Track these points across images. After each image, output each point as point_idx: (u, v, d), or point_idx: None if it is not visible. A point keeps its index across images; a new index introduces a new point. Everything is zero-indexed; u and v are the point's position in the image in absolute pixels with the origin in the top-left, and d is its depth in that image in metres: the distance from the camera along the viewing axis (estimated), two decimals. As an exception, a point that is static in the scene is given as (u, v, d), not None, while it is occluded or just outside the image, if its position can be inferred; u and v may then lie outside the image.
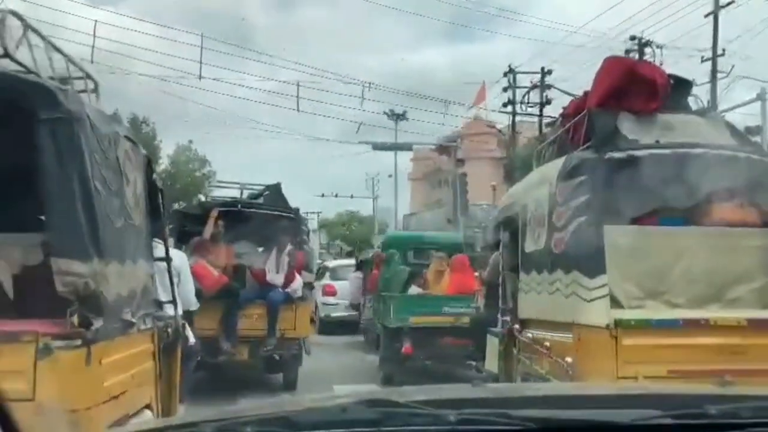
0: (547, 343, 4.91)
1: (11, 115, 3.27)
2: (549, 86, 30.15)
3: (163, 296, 4.91)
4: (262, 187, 10.39)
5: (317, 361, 10.78)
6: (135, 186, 4.10)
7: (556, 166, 5.13)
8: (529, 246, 5.41)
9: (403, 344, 9.58)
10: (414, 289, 10.41)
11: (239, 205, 9.58)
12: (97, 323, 3.24)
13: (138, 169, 4.23)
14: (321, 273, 20.20)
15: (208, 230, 9.01)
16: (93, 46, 22.08)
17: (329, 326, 17.51)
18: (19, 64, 3.44)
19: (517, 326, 5.61)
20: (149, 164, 4.55)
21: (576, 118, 5.45)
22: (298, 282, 9.09)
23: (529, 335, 5.34)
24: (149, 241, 4.48)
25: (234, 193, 10.62)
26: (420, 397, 1.41)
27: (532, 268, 5.32)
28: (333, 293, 17.95)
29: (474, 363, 8.72)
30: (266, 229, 9.17)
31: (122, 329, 3.65)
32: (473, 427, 1.22)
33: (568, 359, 4.48)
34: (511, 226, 5.99)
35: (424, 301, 9.94)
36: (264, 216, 9.37)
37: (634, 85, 4.97)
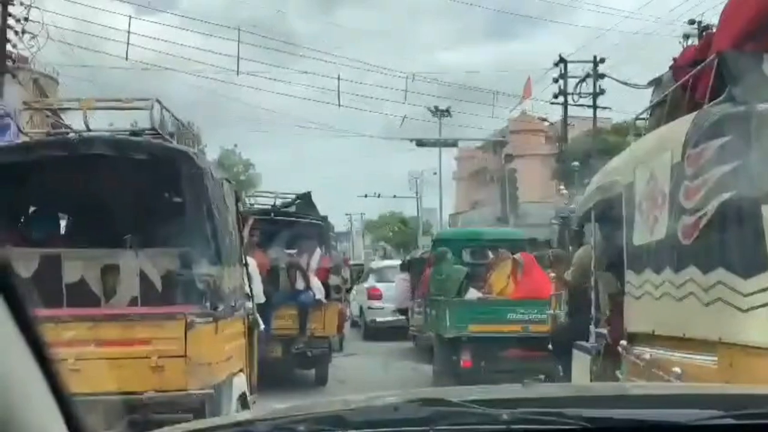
0: (676, 368, 3.58)
1: (165, 170, 5.04)
2: (602, 76, 28.45)
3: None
4: (294, 197, 11.38)
5: (363, 371, 11.12)
6: (232, 212, 5.71)
7: (679, 127, 3.81)
8: (641, 236, 4.10)
9: (461, 356, 8.33)
10: (472, 293, 9.08)
11: (272, 214, 10.49)
12: (220, 307, 4.91)
13: (231, 199, 5.80)
14: (365, 275, 19.07)
15: (245, 237, 9.06)
16: (128, 43, 21.54)
17: (375, 332, 16.37)
18: (164, 138, 5.31)
19: (623, 342, 4.28)
20: (237, 195, 6.24)
21: (697, 68, 4.12)
22: (316, 285, 9.70)
23: (643, 355, 4.01)
24: (240, 251, 6.00)
25: (269, 201, 11.63)
26: (472, 397, 1.39)
27: (646, 266, 4.00)
28: (378, 297, 16.78)
29: (544, 379, 7.37)
30: (297, 236, 10.09)
31: (231, 312, 5.25)
32: (527, 426, 1.20)
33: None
34: (608, 212, 4.68)
35: (485, 307, 8.63)
36: (295, 223, 10.32)
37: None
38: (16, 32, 21.03)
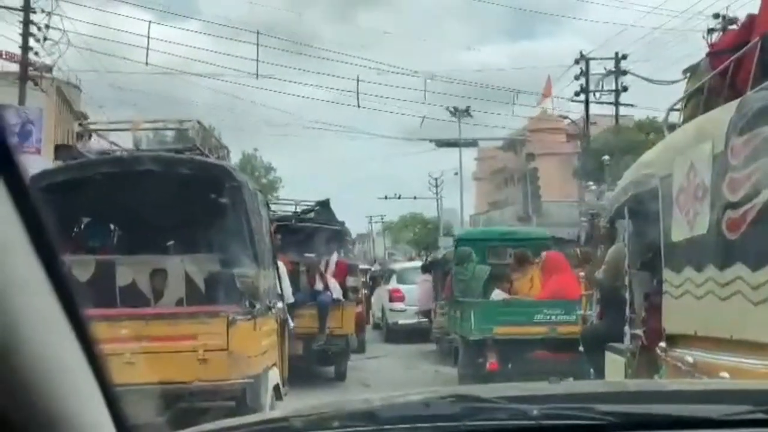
0: (723, 373, 3.34)
1: (207, 183, 5.59)
2: (624, 72, 27.98)
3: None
4: (313, 204, 11.90)
5: (386, 373, 11.13)
6: (264, 220, 6.23)
7: (721, 115, 3.58)
8: (679, 232, 3.87)
9: (486, 359, 8.09)
10: (497, 294, 8.82)
11: (293, 220, 11.00)
12: (257, 306, 5.39)
13: (264, 207, 6.35)
14: (387, 276, 18.86)
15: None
16: (147, 49, 21.60)
17: (398, 334, 16.14)
18: (204, 154, 6.01)
19: (662, 344, 4.05)
20: (267, 203, 7.01)
21: (739, 53, 3.89)
22: (333, 285, 10.09)
23: (685, 357, 3.77)
24: (272, 255, 6.51)
25: (290, 207, 12.22)
26: (501, 393, 1.40)
27: (686, 263, 3.78)
28: (401, 299, 16.56)
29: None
30: (316, 240, 10.57)
31: (266, 311, 5.73)
32: (557, 422, 1.20)
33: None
34: (644, 207, 4.44)
35: (511, 308, 8.37)
36: (314, 229, 10.87)
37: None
38: (38, 40, 21.20)
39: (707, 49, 4.74)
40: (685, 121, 4.39)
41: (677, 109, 4.85)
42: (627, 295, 4.83)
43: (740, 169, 3.28)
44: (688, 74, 4.72)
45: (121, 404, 0.88)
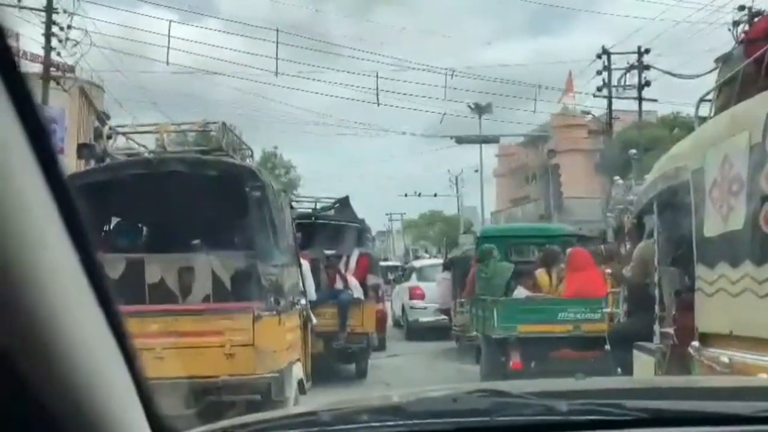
0: (763, 374, 3.19)
1: (232, 184, 5.59)
2: (647, 67, 27.55)
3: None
4: (333, 201, 11.79)
5: (408, 372, 11.11)
6: (287, 218, 6.40)
7: (758, 104, 3.43)
8: (713, 227, 3.72)
9: (510, 358, 7.96)
10: (521, 291, 8.67)
11: (313, 218, 10.76)
12: (282, 302, 5.56)
13: (287, 206, 6.58)
14: (407, 274, 18.77)
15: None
16: (168, 48, 21.70)
17: (418, 332, 16.05)
18: (230, 155, 6.12)
19: (695, 343, 3.90)
20: (290, 202, 7.12)
21: (774, 40, 3.73)
22: (353, 283, 10.12)
23: (720, 358, 3.62)
24: (295, 253, 6.70)
25: (310, 204, 12.04)
26: (529, 389, 1.38)
27: (721, 259, 3.63)
28: (421, 296, 16.46)
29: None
30: (336, 238, 10.48)
31: (290, 307, 5.86)
32: (585, 418, 1.19)
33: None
34: (674, 202, 4.29)
35: (535, 306, 8.23)
36: (334, 226, 10.69)
37: None
38: (60, 40, 21.37)
39: (733, 42, 4.58)
40: (717, 112, 4.23)
41: (708, 100, 4.69)
42: (656, 293, 4.68)
43: (779, 161, 3.13)
44: (719, 64, 4.55)
45: (154, 398, 0.90)
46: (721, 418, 1.21)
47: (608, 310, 6.27)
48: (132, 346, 0.84)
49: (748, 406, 1.22)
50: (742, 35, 4.40)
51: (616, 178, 15.50)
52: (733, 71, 4.17)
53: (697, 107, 4.75)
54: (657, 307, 4.66)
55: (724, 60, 4.52)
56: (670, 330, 4.45)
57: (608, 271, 6.75)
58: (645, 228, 5.28)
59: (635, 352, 5.08)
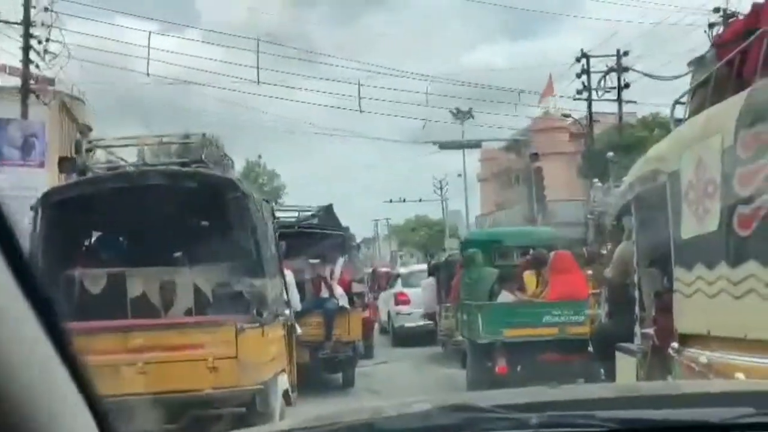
0: (739, 373, 3.23)
1: (213, 196, 5.66)
2: (626, 69, 27.84)
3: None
4: (316, 209, 11.81)
5: (395, 379, 11.08)
6: (270, 229, 6.32)
7: (730, 107, 3.48)
8: (689, 229, 3.77)
9: (495, 362, 8.00)
10: (505, 296, 8.70)
11: (297, 227, 10.73)
12: (265, 313, 5.52)
13: (269, 216, 6.49)
14: (393, 280, 18.79)
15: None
16: (148, 59, 21.61)
17: (404, 338, 16.08)
18: (209, 167, 5.99)
19: (674, 344, 3.94)
20: (272, 212, 6.98)
21: (745, 43, 3.80)
22: (338, 292, 10.11)
23: (699, 358, 3.67)
24: (279, 264, 6.63)
25: (293, 214, 12.02)
26: (502, 401, 1.38)
27: (697, 261, 3.67)
28: (406, 302, 16.51)
29: (584, 383, 6.99)
30: (320, 247, 10.46)
31: (273, 319, 5.82)
32: (556, 430, 1.21)
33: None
34: (651, 204, 4.35)
35: (520, 310, 8.28)
36: (318, 235, 10.70)
37: None
38: (38, 53, 21.19)
39: (710, 43, 4.64)
40: (691, 114, 4.29)
41: (683, 103, 4.75)
42: (636, 294, 4.73)
43: (750, 163, 3.18)
44: (692, 67, 4.62)
45: (110, 417, 0.88)
46: (691, 425, 1.22)
47: (591, 311, 6.31)
48: (82, 364, 0.81)
49: (719, 412, 1.23)
50: (717, 38, 4.46)
51: (595, 180, 15.66)
52: (706, 74, 4.23)
53: (673, 109, 4.81)
54: (637, 308, 4.71)
55: (697, 63, 4.58)
56: (651, 331, 4.50)
57: (590, 272, 6.81)
58: (624, 230, 5.33)
59: (617, 353, 5.12)
